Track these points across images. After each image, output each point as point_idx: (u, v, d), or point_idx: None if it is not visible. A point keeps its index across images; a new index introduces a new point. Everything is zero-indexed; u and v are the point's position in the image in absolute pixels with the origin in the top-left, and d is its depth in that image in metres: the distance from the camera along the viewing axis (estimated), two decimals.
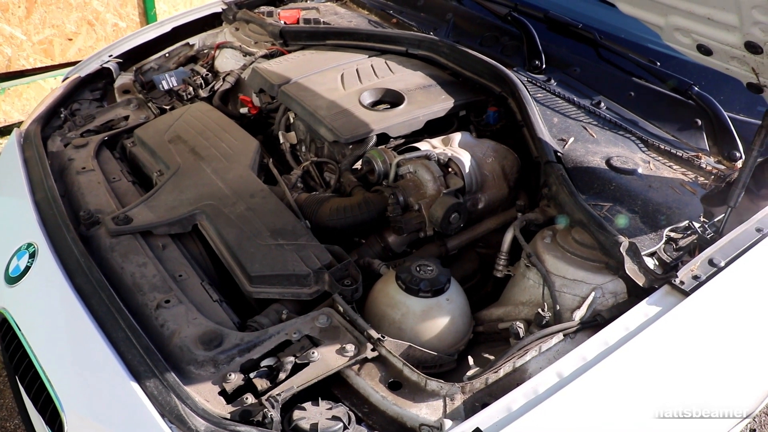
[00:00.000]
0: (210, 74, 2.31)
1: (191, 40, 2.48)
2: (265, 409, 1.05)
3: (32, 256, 1.39)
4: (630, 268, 1.25)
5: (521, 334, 1.21)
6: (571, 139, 1.64)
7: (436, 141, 1.75)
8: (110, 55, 2.33)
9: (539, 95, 1.83)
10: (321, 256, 1.36)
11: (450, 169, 1.62)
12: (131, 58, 2.39)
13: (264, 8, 2.62)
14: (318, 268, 1.34)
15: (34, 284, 1.34)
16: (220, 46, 2.40)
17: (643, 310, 1.17)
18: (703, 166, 1.58)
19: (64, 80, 2.22)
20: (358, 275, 1.34)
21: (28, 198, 1.56)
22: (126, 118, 2.05)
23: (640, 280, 1.24)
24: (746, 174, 1.33)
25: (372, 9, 2.63)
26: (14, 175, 1.70)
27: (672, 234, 1.34)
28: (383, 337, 1.20)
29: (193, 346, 1.18)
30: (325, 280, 1.34)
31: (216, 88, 2.26)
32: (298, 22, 2.49)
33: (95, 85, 2.27)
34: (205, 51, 2.47)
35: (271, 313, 1.33)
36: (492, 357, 1.32)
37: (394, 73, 2.03)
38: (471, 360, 1.20)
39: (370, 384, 1.14)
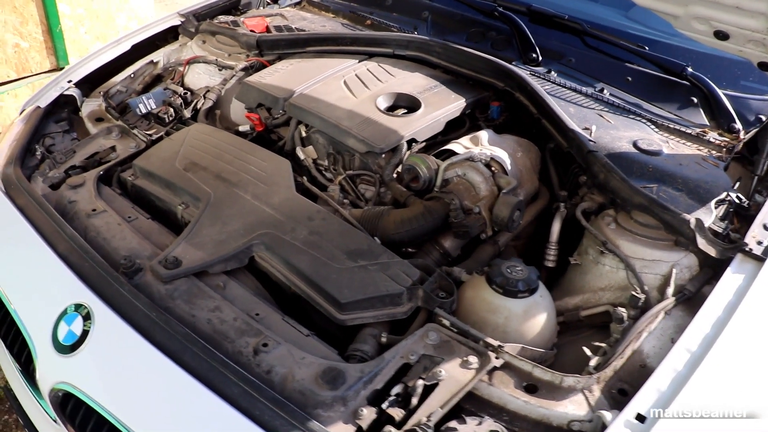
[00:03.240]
0: (188, 92, 2.14)
1: (154, 57, 2.28)
2: None
3: (87, 318, 1.22)
4: (701, 242, 1.35)
5: (625, 319, 1.27)
6: (594, 127, 1.72)
7: (466, 141, 1.76)
8: (69, 81, 2.08)
9: (546, 87, 1.90)
10: (409, 272, 1.33)
11: (493, 168, 1.64)
12: (91, 82, 2.15)
13: (222, 18, 2.48)
14: (410, 284, 1.31)
15: (101, 350, 1.19)
16: (192, 62, 2.23)
17: (730, 279, 1.27)
18: (711, 140, 1.73)
19: (21, 112, 1.95)
20: (451, 286, 1.33)
21: (48, 252, 1.37)
22: (113, 148, 1.85)
23: (713, 252, 1.34)
24: None
25: (338, 12, 2.57)
26: (14, 229, 1.48)
27: (717, 206, 1.47)
28: (502, 344, 1.20)
29: (316, 388, 1.11)
30: (419, 295, 1.31)
31: (198, 106, 2.10)
32: (267, 30, 2.37)
33: (59, 115, 2.02)
34: (172, 68, 2.28)
35: (368, 339, 1.28)
36: (583, 345, 1.37)
37: (394, 77, 2.01)
38: (588, 350, 1.24)
39: (507, 391, 1.14)
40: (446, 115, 1.84)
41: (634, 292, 1.31)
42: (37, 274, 1.37)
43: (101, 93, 2.10)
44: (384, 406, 1.10)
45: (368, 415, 1.08)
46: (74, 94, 2.06)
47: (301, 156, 1.79)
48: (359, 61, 2.11)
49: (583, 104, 1.85)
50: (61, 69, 2.96)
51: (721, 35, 1.46)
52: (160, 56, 2.29)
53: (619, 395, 1.14)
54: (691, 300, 1.31)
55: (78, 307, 1.24)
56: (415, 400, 1.11)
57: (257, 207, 1.50)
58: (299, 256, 1.36)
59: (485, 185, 1.58)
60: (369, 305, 1.29)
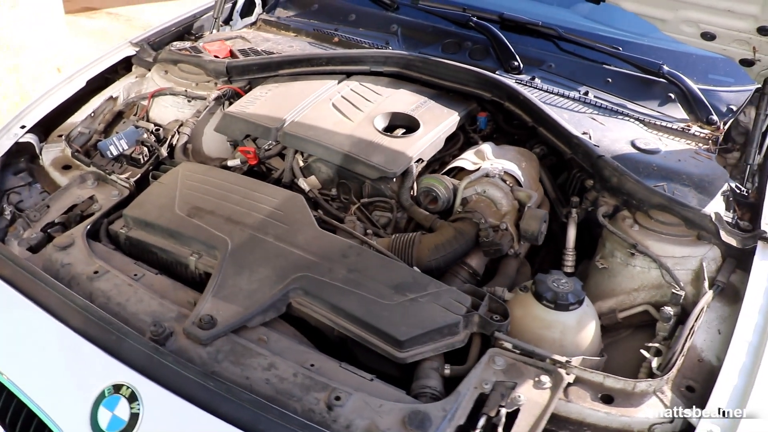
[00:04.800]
0: (160, 128, 1.99)
1: (113, 93, 2.10)
2: None
3: (132, 399, 1.09)
4: (724, 234, 1.42)
5: (671, 317, 1.31)
6: (591, 131, 1.77)
7: (471, 156, 1.75)
8: (22, 127, 1.87)
9: (534, 95, 1.93)
10: (461, 299, 1.30)
11: (508, 182, 1.64)
12: (44, 125, 1.94)
13: (179, 44, 2.32)
14: (465, 312, 1.28)
15: None
16: (157, 94, 2.07)
17: (760, 266, 1.34)
18: (695, 133, 1.83)
19: None
20: (503, 308, 1.31)
21: (60, 329, 1.21)
22: (92, 198, 1.68)
23: (735, 243, 1.42)
24: (758, 134, 1.59)
25: (300, 30, 2.49)
26: (6, 306, 1.30)
27: (723, 197, 1.55)
28: (570, 359, 1.20)
29: None
30: (474, 322, 1.29)
31: (174, 143, 1.96)
32: (232, 55, 2.25)
33: (16, 165, 1.81)
34: (133, 102, 2.11)
35: (431, 374, 1.24)
36: (624, 347, 1.41)
37: (381, 95, 1.97)
38: (647, 353, 1.27)
39: (586, 405, 1.15)
40: (445, 131, 1.83)
41: (674, 290, 1.36)
42: (55, 357, 1.21)
43: (62, 137, 1.90)
44: None
45: None
46: (31, 141, 1.85)
47: (305, 187, 1.71)
48: (338, 82, 2.05)
49: (573, 109, 1.90)
50: None
51: (708, 36, 1.56)
52: (118, 91, 2.11)
53: (687, 392, 1.18)
54: (724, 290, 1.37)
55: (118, 388, 1.11)
56: (500, 430, 1.09)
57: (284, 249, 1.41)
58: (344, 296, 1.30)
59: (506, 200, 1.58)
60: (428, 339, 1.25)
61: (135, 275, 1.43)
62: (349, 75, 2.09)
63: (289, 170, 1.77)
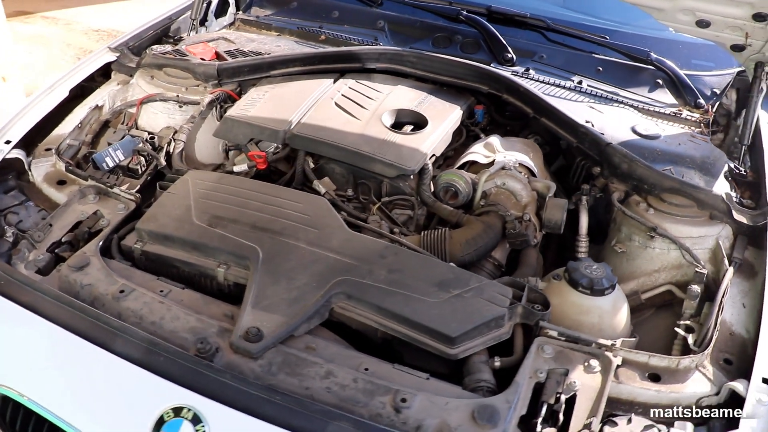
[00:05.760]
0: (155, 136, 1.90)
1: (98, 101, 1.99)
2: None
3: (196, 421, 1.05)
4: (735, 213, 1.51)
5: (699, 295, 1.38)
6: (592, 119, 1.83)
7: (481, 149, 1.77)
8: (7, 142, 1.74)
9: (531, 85, 1.98)
10: (503, 292, 1.32)
11: (523, 174, 1.67)
12: (30, 138, 1.83)
13: (159, 48, 2.23)
14: (509, 304, 1.30)
15: None
16: (146, 101, 1.98)
17: None
18: (687, 117, 1.93)
19: None
20: (543, 297, 1.34)
21: (102, 354, 1.15)
22: (96, 214, 1.60)
23: (746, 220, 1.51)
24: (752, 115, 1.69)
25: (283, 29, 2.44)
26: (35, 335, 1.22)
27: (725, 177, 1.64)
28: (614, 342, 1.25)
29: (478, 430, 1.07)
30: (518, 313, 1.31)
31: (171, 151, 1.89)
32: (218, 57, 2.18)
33: (5, 184, 1.69)
34: (120, 110, 2.01)
35: (482, 367, 1.26)
36: (651, 326, 1.47)
37: (381, 92, 1.96)
38: (681, 331, 1.33)
39: (636, 385, 1.20)
40: (452, 125, 1.84)
41: (696, 269, 1.43)
42: (101, 385, 1.15)
43: (50, 150, 1.79)
44: (536, 430, 1.10)
45: None
46: (19, 156, 1.73)
47: (321, 190, 1.68)
48: (334, 81, 2.03)
49: (570, 98, 1.95)
50: None
51: (703, 24, 1.63)
52: (103, 99, 2.00)
53: (726, 365, 1.25)
54: (741, 266, 1.46)
55: (178, 411, 1.06)
56: (561, 417, 1.12)
57: (318, 254, 1.38)
58: (389, 297, 1.29)
59: (525, 192, 1.61)
60: (477, 333, 1.26)
61: (161, 291, 1.37)
62: (343, 73, 2.07)
63: (301, 173, 1.74)
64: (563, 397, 1.15)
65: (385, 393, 1.13)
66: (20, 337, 1.24)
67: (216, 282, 1.43)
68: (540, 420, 1.11)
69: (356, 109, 1.84)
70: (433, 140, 1.73)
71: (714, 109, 1.93)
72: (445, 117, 1.84)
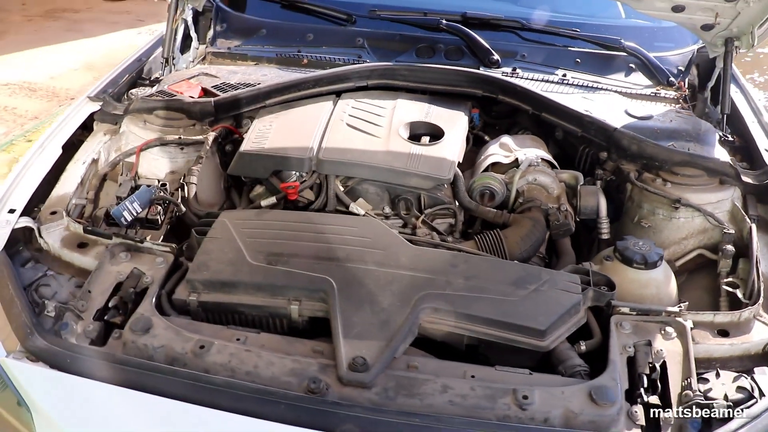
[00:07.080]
0: (166, 184, 1.83)
1: (92, 155, 1.88)
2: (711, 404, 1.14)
3: None
4: (742, 176, 1.67)
5: (733, 253, 1.52)
6: (588, 108, 1.96)
7: (498, 150, 1.85)
8: (11, 211, 1.61)
9: (525, 84, 2.08)
10: (573, 279, 1.39)
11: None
12: (31, 205, 1.70)
13: (138, 91, 2.15)
14: (582, 290, 1.38)
15: None
16: (145, 147, 1.89)
17: None
18: (666, 96, 2.10)
19: None
20: (607, 279, 1.43)
21: (220, 417, 1.11)
22: (134, 272, 1.51)
23: (752, 180, 1.68)
24: (727, 87, 1.88)
25: (260, 59, 2.40)
26: (135, 413, 1.15)
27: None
28: (681, 307, 1.36)
29: (600, 410, 1.14)
30: (590, 296, 1.39)
31: (185, 195, 1.82)
32: (205, 94, 2.13)
33: (19, 256, 1.56)
34: (117, 161, 1.91)
35: (571, 354, 1.32)
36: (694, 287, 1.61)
37: (385, 108, 1.99)
38: (729, 288, 1.46)
39: (712, 342, 1.31)
40: (464, 131, 1.91)
41: (724, 230, 1.57)
42: None
43: (58, 213, 1.67)
44: (641, 400, 1.18)
45: (640, 412, 1.17)
46: (30, 225, 1.61)
47: (360, 212, 1.69)
48: (334, 102, 2.03)
49: (560, 91, 2.08)
50: None
51: (679, 9, 1.80)
52: (96, 152, 1.90)
53: None
54: (758, 222, 1.62)
55: None
56: (659, 384, 1.21)
57: (392, 274, 1.39)
58: (475, 304, 1.33)
59: (555, 184, 1.71)
60: (561, 323, 1.33)
61: (238, 339, 1.33)
62: (339, 94, 2.09)
63: (334, 197, 1.74)
64: (657, 365, 1.24)
65: (504, 394, 1.17)
66: (120, 416, 1.16)
67: (288, 320, 1.41)
68: (641, 391, 1.20)
69: (370, 128, 1.86)
70: (455, 147, 1.79)
71: (686, 85, 2.12)
72: (455, 124, 1.90)
